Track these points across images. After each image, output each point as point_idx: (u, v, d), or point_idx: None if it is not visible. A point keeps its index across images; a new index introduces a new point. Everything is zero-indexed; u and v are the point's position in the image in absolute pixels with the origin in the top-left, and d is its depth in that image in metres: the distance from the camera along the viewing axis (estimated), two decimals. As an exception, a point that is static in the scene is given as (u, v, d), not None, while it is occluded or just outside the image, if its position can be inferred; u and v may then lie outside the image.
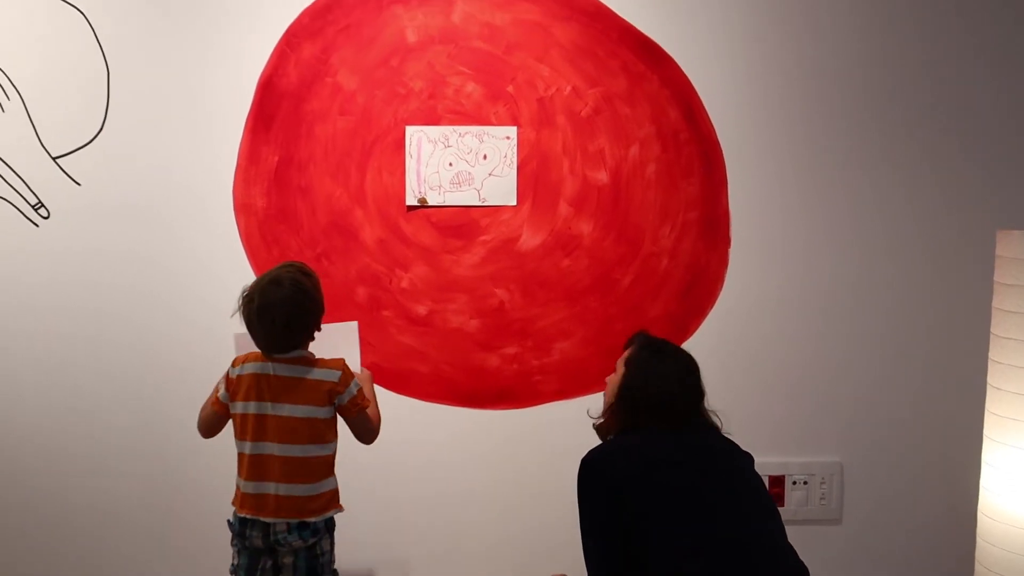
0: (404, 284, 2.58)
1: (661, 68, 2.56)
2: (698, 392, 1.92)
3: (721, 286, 2.61)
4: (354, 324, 2.29)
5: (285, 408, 2.03)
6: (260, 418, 2.04)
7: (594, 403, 2.10)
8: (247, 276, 2.53)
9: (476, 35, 2.54)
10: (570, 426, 2.46)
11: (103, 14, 2.51)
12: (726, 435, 1.92)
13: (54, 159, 2.53)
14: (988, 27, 2.57)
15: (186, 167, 2.54)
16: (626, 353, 1.99)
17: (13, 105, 2.51)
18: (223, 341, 2.54)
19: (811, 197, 2.61)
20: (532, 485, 2.63)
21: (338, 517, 2.13)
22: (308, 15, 2.53)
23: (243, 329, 2.10)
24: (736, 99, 2.58)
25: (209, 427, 2.15)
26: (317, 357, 2.10)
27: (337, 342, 2.20)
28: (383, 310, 2.58)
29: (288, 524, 2.03)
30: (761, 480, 1.85)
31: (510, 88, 2.55)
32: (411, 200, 2.56)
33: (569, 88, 2.56)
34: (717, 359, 2.52)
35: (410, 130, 2.55)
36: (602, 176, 2.58)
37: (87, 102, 2.52)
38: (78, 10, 2.51)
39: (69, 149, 2.53)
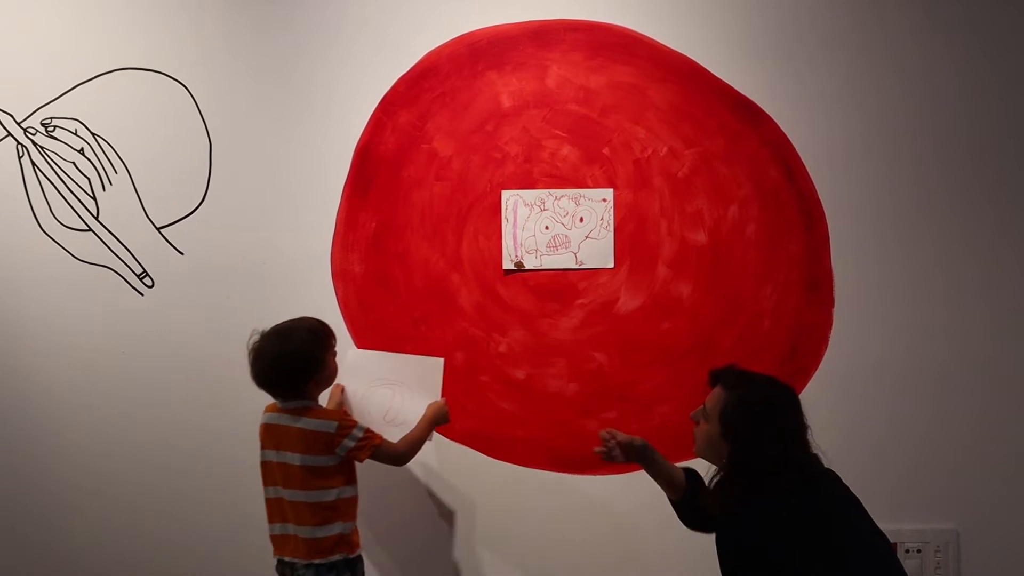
0: (502, 349, 2.56)
1: (759, 127, 2.52)
2: (805, 429, 1.85)
3: (826, 346, 2.54)
4: (440, 360, 2.41)
5: (286, 456, 2.16)
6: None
7: (697, 468, 2.12)
8: (346, 342, 2.55)
9: (571, 98, 2.54)
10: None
11: (205, 88, 2.58)
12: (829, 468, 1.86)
13: (158, 229, 2.58)
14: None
15: (285, 235, 2.57)
16: (719, 403, 1.87)
17: (120, 178, 2.58)
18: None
19: (917, 253, 2.53)
20: (636, 551, 2.57)
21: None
22: (404, 83, 2.56)
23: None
24: (837, 156, 2.53)
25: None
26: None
27: (423, 374, 2.38)
28: (481, 375, 2.56)
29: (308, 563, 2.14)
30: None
31: (606, 150, 2.54)
32: (508, 264, 2.55)
33: (666, 149, 2.53)
34: (823, 421, 2.39)
35: (506, 194, 2.54)
36: (701, 237, 2.54)
37: (190, 173, 2.58)
38: (181, 84, 2.58)
39: (173, 219, 2.59)
